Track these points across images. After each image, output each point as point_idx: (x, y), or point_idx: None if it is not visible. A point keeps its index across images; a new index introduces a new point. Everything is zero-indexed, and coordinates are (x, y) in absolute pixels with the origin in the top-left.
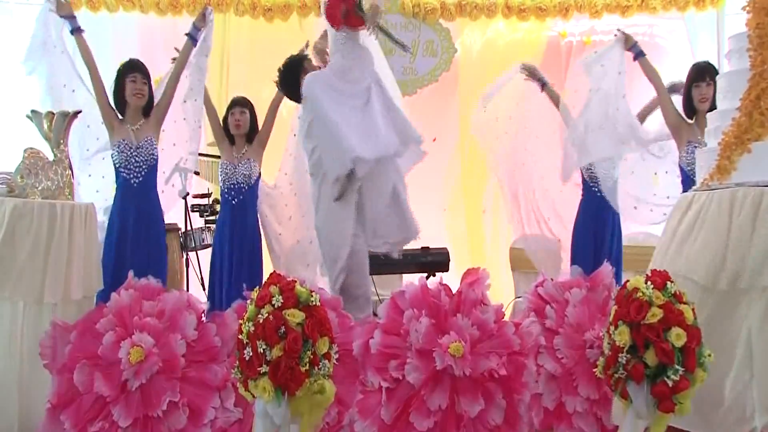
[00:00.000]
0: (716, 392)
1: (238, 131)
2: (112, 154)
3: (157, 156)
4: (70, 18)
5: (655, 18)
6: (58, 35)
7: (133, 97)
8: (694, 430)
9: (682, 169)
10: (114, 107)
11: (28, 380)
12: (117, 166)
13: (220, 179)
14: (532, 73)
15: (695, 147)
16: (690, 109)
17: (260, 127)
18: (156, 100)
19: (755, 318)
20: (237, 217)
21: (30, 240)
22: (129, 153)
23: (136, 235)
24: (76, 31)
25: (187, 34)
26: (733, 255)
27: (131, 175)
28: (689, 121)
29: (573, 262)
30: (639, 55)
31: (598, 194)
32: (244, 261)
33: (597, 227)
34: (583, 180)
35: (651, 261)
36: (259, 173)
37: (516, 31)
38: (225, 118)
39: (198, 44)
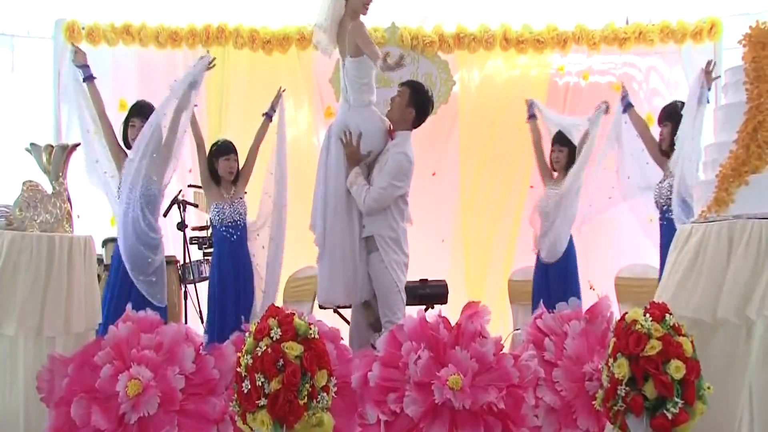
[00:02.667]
0: (717, 428)
1: (230, 177)
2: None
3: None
4: (83, 67)
5: (653, 57)
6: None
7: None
8: None
9: None
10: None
11: (29, 414)
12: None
13: (215, 219)
14: (530, 105)
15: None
16: None
17: (244, 164)
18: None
19: (755, 353)
20: (237, 252)
21: (29, 273)
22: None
23: None
24: (88, 79)
25: (264, 114)
26: (732, 288)
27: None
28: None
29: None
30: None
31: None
32: (242, 295)
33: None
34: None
35: (656, 296)
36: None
37: (514, 67)
38: (211, 162)
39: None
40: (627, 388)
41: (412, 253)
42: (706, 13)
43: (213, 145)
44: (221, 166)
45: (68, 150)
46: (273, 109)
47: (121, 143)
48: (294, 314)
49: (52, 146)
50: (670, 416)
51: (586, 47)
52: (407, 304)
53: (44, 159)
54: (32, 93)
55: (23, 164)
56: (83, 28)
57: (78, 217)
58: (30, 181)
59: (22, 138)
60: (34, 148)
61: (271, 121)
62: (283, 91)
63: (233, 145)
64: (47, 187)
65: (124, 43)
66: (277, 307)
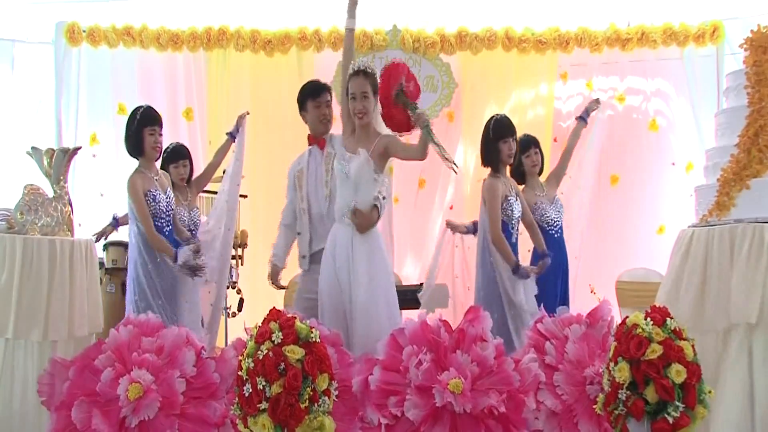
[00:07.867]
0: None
1: (182, 183)
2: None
3: None
4: None
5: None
6: None
7: (153, 150)
8: None
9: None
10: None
11: (27, 418)
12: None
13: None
14: (455, 228)
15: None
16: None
17: (200, 176)
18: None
19: (757, 358)
20: None
21: (32, 277)
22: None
23: None
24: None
25: (228, 134)
26: (736, 293)
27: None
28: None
29: None
30: None
31: None
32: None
33: None
34: None
35: (656, 300)
36: None
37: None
38: (164, 167)
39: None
40: (628, 392)
41: (415, 257)
42: (709, 16)
43: (165, 150)
44: (172, 172)
45: (69, 154)
46: (237, 129)
47: (129, 149)
48: (295, 318)
49: (53, 150)
50: (671, 420)
51: (588, 49)
52: (409, 308)
53: (45, 163)
54: (34, 97)
55: (25, 168)
56: (84, 30)
57: (80, 225)
58: (31, 185)
59: (24, 142)
60: (35, 151)
61: (234, 140)
62: (248, 114)
63: (186, 151)
64: (48, 191)
65: (125, 45)
66: (279, 310)
